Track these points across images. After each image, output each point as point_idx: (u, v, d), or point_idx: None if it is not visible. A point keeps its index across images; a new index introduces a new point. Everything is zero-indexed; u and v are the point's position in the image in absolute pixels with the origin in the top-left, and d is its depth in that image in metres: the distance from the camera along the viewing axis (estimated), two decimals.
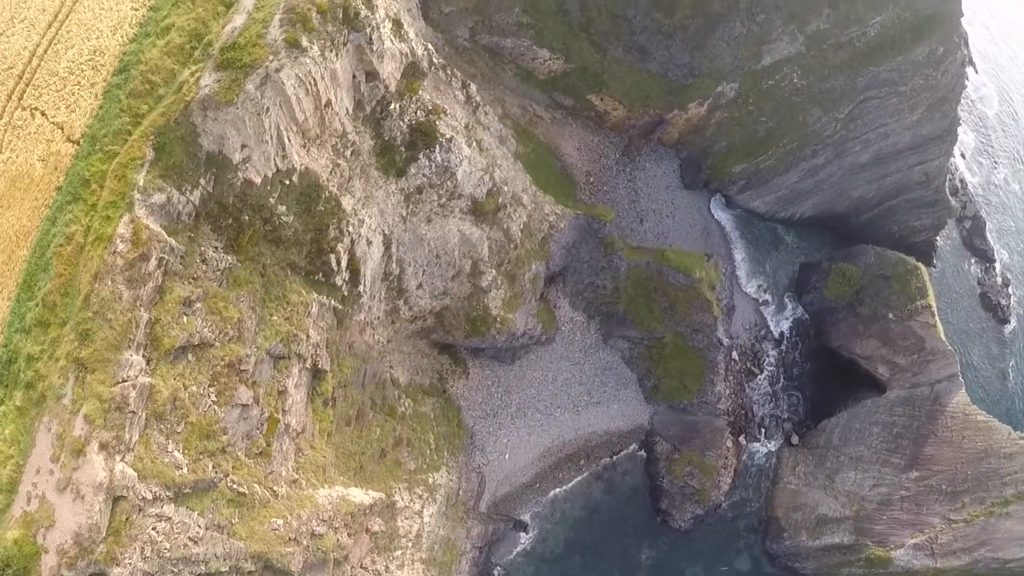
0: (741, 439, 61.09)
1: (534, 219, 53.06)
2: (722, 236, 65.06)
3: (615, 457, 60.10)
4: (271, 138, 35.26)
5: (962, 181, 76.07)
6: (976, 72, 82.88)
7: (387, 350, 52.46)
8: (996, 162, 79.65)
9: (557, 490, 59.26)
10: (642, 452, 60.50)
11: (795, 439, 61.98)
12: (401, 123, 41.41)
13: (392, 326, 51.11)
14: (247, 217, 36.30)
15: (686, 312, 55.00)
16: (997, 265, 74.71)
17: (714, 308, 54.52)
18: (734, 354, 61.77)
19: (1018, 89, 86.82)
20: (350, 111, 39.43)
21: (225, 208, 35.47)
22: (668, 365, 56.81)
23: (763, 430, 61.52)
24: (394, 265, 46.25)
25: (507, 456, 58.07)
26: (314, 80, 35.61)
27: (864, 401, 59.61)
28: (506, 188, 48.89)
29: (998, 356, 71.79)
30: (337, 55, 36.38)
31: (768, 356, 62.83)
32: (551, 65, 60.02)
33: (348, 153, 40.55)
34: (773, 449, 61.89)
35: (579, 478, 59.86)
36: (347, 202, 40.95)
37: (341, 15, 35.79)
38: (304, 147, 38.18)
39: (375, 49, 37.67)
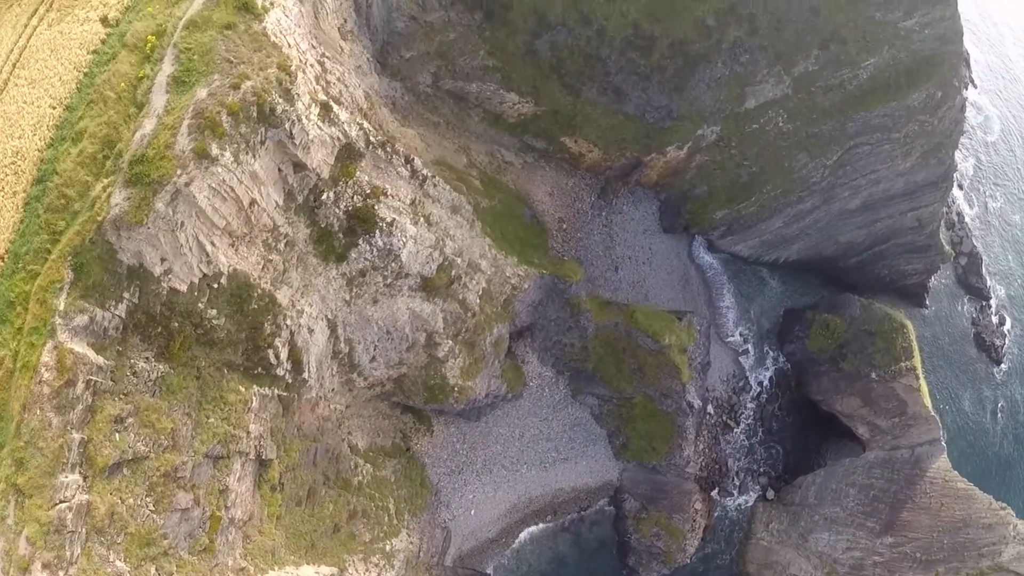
0: (714, 493, 60.68)
1: (494, 283, 52.02)
2: (702, 282, 63.34)
3: (583, 512, 60.33)
4: (190, 249, 34.50)
5: (959, 214, 73.01)
6: (976, 90, 78.90)
7: (346, 415, 52.47)
8: (995, 190, 76.28)
9: (524, 542, 59.83)
10: (611, 507, 60.61)
11: (770, 494, 61.38)
12: (337, 210, 40.24)
13: (349, 393, 51.02)
14: (176, 324, 35.88)
15: (655, 376, 54.04)
16: (993, 302, 72.35)
17: (683, 374, 53.46)
18: (709, 408, 60.82)
19: (1021, 113, 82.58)
20: (280, 204, 38.30)
21: (153, 318, 35.10)
22: (637, 425, 56.18)
23: (738, 484, 61.03)
24: (343, 345, 45.76)
25: (473, 512, 58.41)
26: (230, 187, 34.56)
27: (842, 460, 58.58)
28: (459, 260, 47.80)
29: (989, 398, 70.10)
30: (255, 156, 35.12)
31: (746, 409, 61.77)
32: (520, 108, 57.99)
33: (281, 245, 39.63)
34: (747, 503, 61.55)
35: (546, 530, 60.34)
36: (283, 295, 40.34)
37: (256, 113, 34.28)
38: (232, 246, 37.36)
39: (299, 142, 36.29)
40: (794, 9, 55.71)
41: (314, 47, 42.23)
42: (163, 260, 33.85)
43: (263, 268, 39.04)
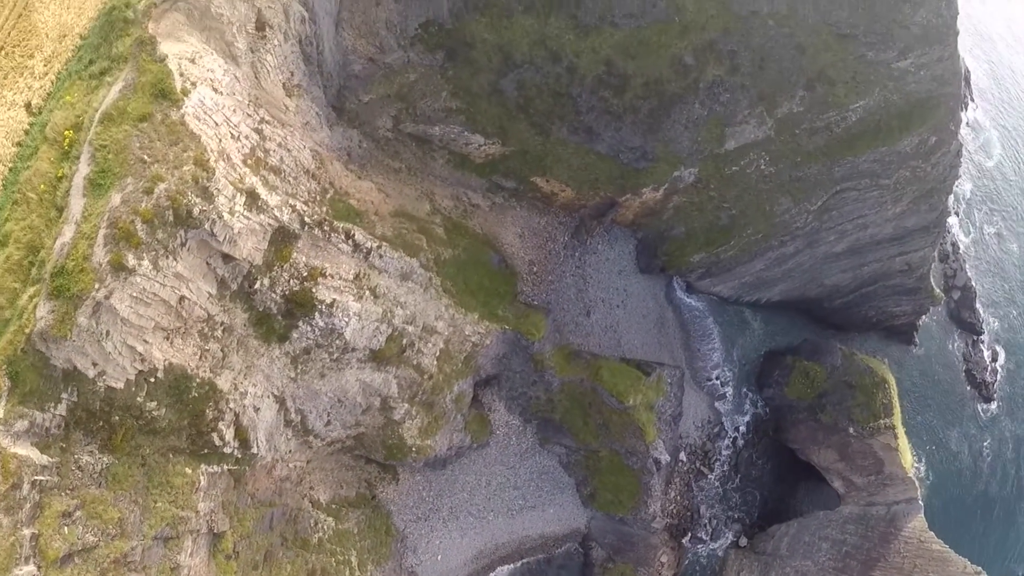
0: (685, 540, 60.71)
1: (453, 343, 51.24)
2: (679, 324, 61.82)
3: (552, 554, 60.76)
4: (120, 353, 34.29)
5: (954, 244, 70.06)
6: (976, 107, 74.68)
7: (307, 470, 52.66)
8: (993, 217, 72.89)
9: None
10: (580, 548, 60.98)
11: (743, 541, 60.98)
12: (274, 294, 39.21)
13: (309, 450, 51.38)
14: (117, 418, 35.94)
15: (620, 435, 53.28)
16: (985, 337, 69.99)
17: (648, 434, 52.62)
18: (682, 455, 60.07)
19: (1021, 134, 78.23)
20: (213, 293, 37.46)
21: (93, 414, 35.24)
22: (604, 478, 55.74)
23: (711, 530, 60.79)
24: (293, 415, 45.49)
25: (440, 557, 59.04)
26: (153, 293, 33.88)
27: (817, 512, 57.84)
28: (411, 327, 46.98)
29: (976, 436, 68.52)
30: (176, 258, 34.23)
31: (720, 455, 60.89)
32: (487, 149, 56.04)
33: (219, 332, 38.96)
34: (720, 550, 61.48)
35: (514, 571, 60.98)
36: (224, 380, 39.88)
37: (172, 217, 33.29)
38: (167, 339, 36.89)
39: (223, 238, 35.15)
40: (778, 47, 52.51)
41: (251, 115, 40.82)
42: (95, 364, 33.93)
43: (200, 357, 38.76)
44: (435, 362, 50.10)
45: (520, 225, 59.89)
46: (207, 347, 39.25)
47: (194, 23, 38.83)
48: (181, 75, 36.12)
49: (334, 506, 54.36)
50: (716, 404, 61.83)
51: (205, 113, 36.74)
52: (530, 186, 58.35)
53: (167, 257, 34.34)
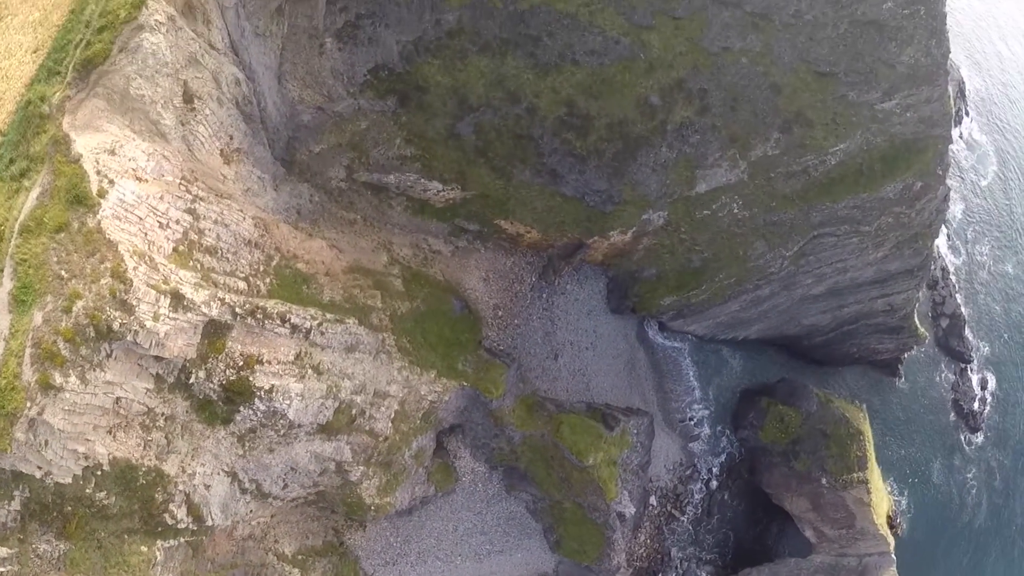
0: None
1: (409, 403, 51.31)
2: (651, 365, 61.34)
3: None
4: (62, 456, 35.10)
5: (943, 270, 68.33)
6: (971, 122, 71.63)
7: (272, 524, 53.92)
8: (985, 238, 70.71)
9: None
10: None
11: None
12: (211, 384, 39.57)
13: (271, 507, 52.51)
14: (70, 508, 37.15)
15: (581, 490, 53.67)
16: (975, 364, 68.98)
17: (609, 492, 52.85)
18: (652, 499, 60.57)
19: (1020, 147, 75.05)
20: (150, 389, 37.95)
21: (47, 506, 36.37)
22: (568, 528, 56.33)
23: (681, 573, 61.82)
24: (248, 484, 46.35)
25: None
26: (86, 403, 34.52)
27: (787, 559, 58.46)
28: (360, 397, 47.02)
29: (960, 467, 68.43)
30: (104, 369, 34.50)
31: (692, 498, 61.42)
32: (447, 195, 55.04)
33: (161, 422, 39.32)
34: None
35: None
36: (171, 465, 40.56)
37: (94, 333, 33.44)
38: (110, 433, 37.95)
39: (149, 344, 35.28)
40: (752, 86, 50.40)
41: (181, 196, 39.95)
42: (40, 467, 34.99)
43: (144, 447, 39.30)
44: (390, 424, 50.39)
45: (484, 268, 59.19)
46: (150, 437, 39.87)
47: (115, 107, 37.82)
48: (98, 173, 35.41)
49: (300, 556, 55.70)
50: (689, 445, 61.95)
51: (126, 211, 36.15)
52: (494, 228, 57.39)
53: (94, 370, 34.61)
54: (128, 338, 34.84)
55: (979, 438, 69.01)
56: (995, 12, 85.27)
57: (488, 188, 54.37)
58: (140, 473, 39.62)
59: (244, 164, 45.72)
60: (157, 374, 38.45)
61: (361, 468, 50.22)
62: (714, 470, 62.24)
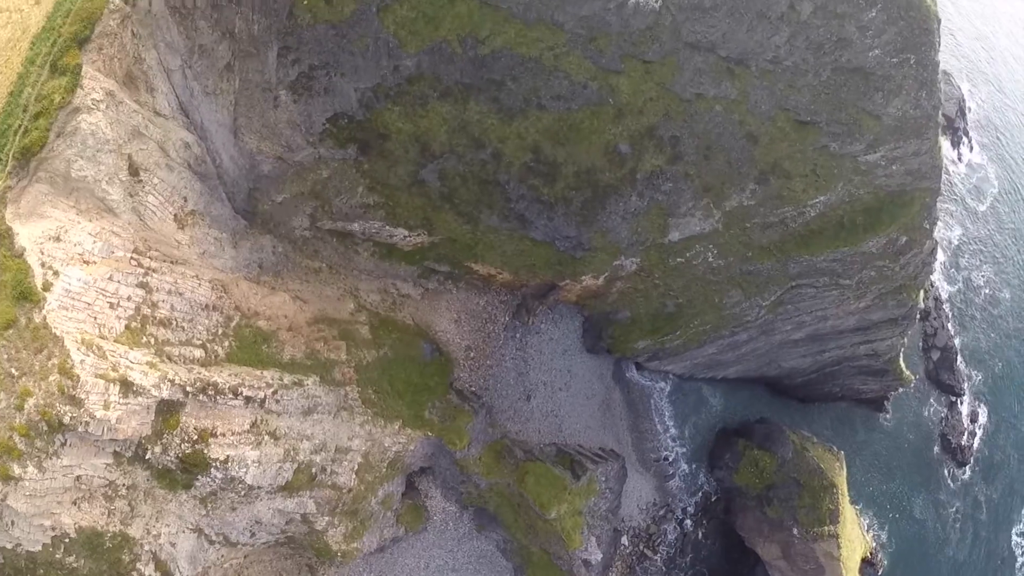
0: None
1: (373, 455, 53.15)
2: (626, 405, 62.53)
3: None
4: (28, 531, 38.11)
5: (936, 299, 68.20)
6: (969, 144, 70.31)
7: (244, 564, 56.93)
8: (982, 263, 70.15)
9: None
10: None
11: None
12: (168, 457, 41.72)
13: (242, 551, 55.29)
14: (42, 571, 40.21)
15: (546, 539, 55.76)
16: (966, 397, 69.48)
17: (573, 542, 54.66)
18: (624, 539, 62.62)
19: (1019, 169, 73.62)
20: (110, 463, 40.35)
21: (20, 570, 39.56)
22: (536, 571, 58.64)
23: None
24: (215, 537, 48.99)
25: None
26: (45, 487, 36.98)
27: None
28: (320, 456, 48.88)
29: (945, 502, 69.66)
30: (60, 456, 36.93)
31: (666, 537, 63.38)
32: (414, 240, 55.81)
33: (124, 491, 41.93)
34: None
35: None
36: (136, 528, 43.05)
37: (46, 427, 35.49)
38: (75, 504, 40.51)
39: (101, 432, 37.22)
40: (727, 135, 50.04)
41: (132, 272, 41.12)
42: (9, 542, 38.11)
43: (109, 515, 41.89)
44: (354, 476, 52.43)
45: (456, 309, 60.23)
46: (113, 506, 42.47)
47: (59, 190, 38.87)
48: (43, 266, 36.82)
49: None
50: (664, 484, 63.60)
51: (72, 300, 37.59)
52: (465, 269, 58.20)
53: (51, 458, 37.06)
54: (80, 429, 36.74)
55: (966, 473, 70.11)
56: (998, 30, 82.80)
57: (455, 233, 54.95)
58: (107, 538, 42.31)
59: (200, 227, 46.75)
60: (115, 451, 40.57)
61: (326, 518, 52.56)
62: (689, 509, 64.07)
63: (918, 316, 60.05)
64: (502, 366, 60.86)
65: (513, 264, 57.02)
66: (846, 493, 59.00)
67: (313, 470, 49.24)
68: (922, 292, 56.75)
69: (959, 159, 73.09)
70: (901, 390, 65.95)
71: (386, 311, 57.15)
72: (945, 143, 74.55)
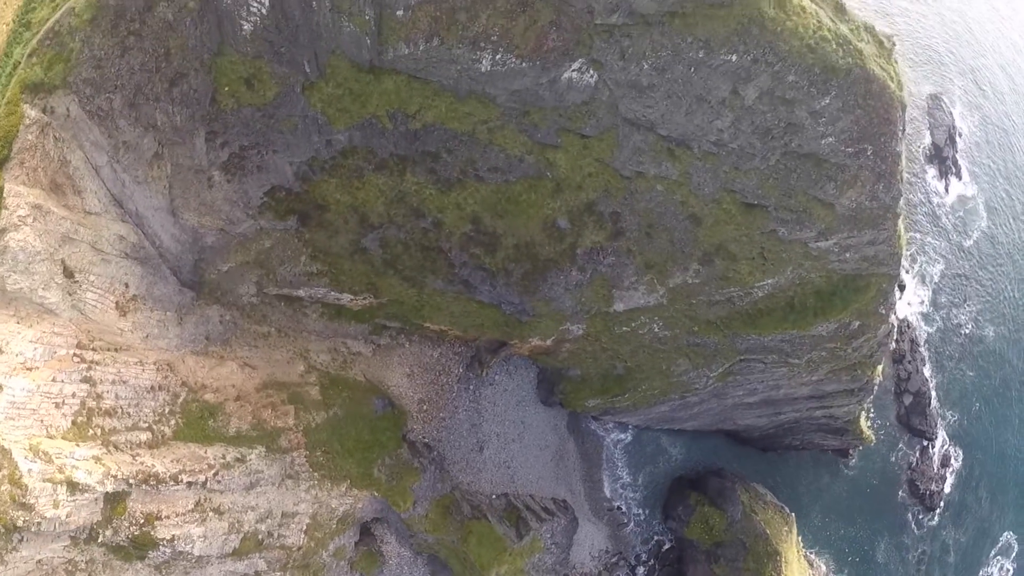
0: None
1: (322, 515, 58.43)
2: (579, 456, 66.70)
3: None
4: None
5: (912, 341, 69.74)
6: (961, 173, 69.99)
7: None
8: (965, 302, 70.89)
9: None
10: None
11: None
12: (119, 538, 47.41)
13: None
14: None
15: None
16: (938, 442, 71.81)
17: None
18: None
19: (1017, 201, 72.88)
20: (67, 546, 46.09)
21: None
22: None
23: None
24: None
25: None
26: (10, 575, 43.00)
27: None
28: (265, 524, 54.19)
29: (909, 546, 73.09)
30: (18, 549, 42.24)
31: None
32: (360, 302, 59.26)
33: (83, 565, 48.12)
34: None
35: None
36: None
37: (2, 529, 40.59)
38: None
39: (53, 528, 42.12)
40: (668, 215, 51.85)
41: (75, 369, 45.86)
42: None
43: None
44: (303, 535, 58.04)
45: (409, 363, 64.19)
46: None
47: None
48: None
49: None
50: (617, 532, 68.37)
51: (18, 409, 42.44)
52: (417, 326, 61.78)
53: (11, 552, 42.44)
54: (33, 529, 42.19)
55: (934, 518, 73.40)
56: (997, 48, 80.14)
57: (401, 296, 58.41)
58: None
59: (142, 311, 50.90)
60: (71, 536, 46.21)
61: (278, 574, 58.65)
62: (642, 556, 68.94)
63: (876, 386, 61.74)
64: (455, 418, 65.19)
65: (462, 324, 60.49)
66: (792, 559, 63.00)
67: (260, 536, 54.85)
68: (879, 367, 58.57)
69: (946, 190, 73.11)
70: (872, 423, 68.59)
71: (337, 370, 61.44)
72: (932, 172, 74.55)
